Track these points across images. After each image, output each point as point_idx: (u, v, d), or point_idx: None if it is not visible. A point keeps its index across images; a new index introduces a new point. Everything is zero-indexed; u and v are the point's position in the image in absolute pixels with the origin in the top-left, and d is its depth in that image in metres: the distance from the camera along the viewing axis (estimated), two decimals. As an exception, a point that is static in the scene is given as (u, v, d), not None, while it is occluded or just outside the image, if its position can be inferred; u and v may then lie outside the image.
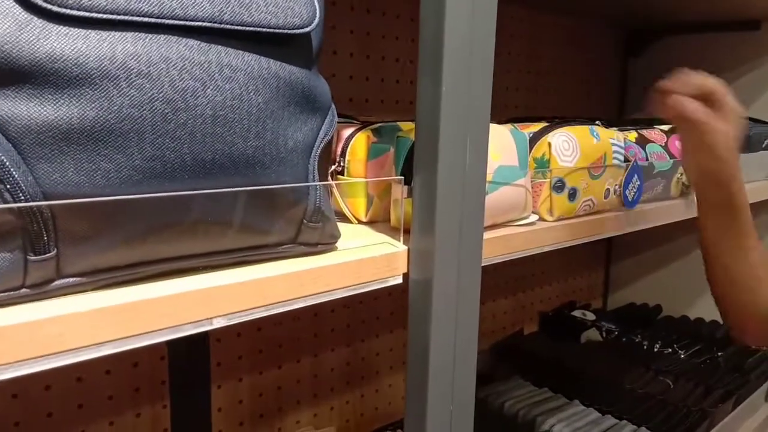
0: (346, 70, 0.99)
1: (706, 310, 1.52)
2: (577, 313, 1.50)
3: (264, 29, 0.37)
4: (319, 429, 1.02)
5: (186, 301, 0.37)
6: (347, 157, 0.60)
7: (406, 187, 0.52)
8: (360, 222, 0.61)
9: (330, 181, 0.56)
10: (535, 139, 0.68)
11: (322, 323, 1.05)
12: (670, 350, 1.33)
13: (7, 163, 0.30)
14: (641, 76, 1.64)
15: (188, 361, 0.87)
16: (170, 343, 0.85)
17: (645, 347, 1.34)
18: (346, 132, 0.62)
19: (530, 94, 1.37)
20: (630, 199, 0.73)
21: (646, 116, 1.00)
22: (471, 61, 0.46)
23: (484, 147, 0.50)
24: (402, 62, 1.06)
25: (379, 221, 0.61)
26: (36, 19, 0.30)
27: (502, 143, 0.60)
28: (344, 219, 0.60)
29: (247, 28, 0.36)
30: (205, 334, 0.88)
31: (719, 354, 1.29)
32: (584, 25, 1.48)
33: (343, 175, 0.61)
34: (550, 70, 1.41)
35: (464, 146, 0.48)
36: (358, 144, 0.60)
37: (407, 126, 0.62)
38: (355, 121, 0.69)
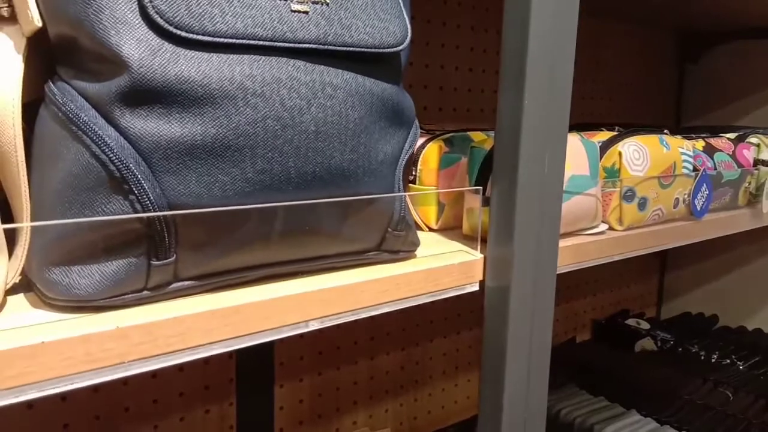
0: (406, 79, 1.01)
1: (764, 320, 1.48)
2: (630, 322, 1.48)
3: (363, 49, 0.39)
4: (375, 430, 1.04)
5: (285, 305, 0.39)
6: (419, 166, 0.62)
7: (482, 197, 0.53)
8: (431, 229, 0.62)
9: (411, 192, 0.58)
10: (605, 148, 0.68)
11: (378, 326, 1.07)
12: (728, 361, 1.30)
13: (139, 176, 0.33)
14: (697, 83, 1.61)
15: (255, 361, 0.90)
16: (238, 343, 0.88)
17: (702, 357, 1.31)
18: (418, 142, 0.64)
19: (589, 102, 1.36)
20: (699, 208, 0.73)
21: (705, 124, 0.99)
22: (552, 74, 0.47)
23: (562, 157, 0.51)
24: (461, 71, 1.07)
25: (448, 229, 0.62)
26: (167, 44, 0.32)
27: (574, 153, 0.61)
28: (417, 227, 0.62)
29: (348, 49, 0.39)
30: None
31: (781, 366, 1.25)
32: (641, 32, 1.47)
33: (415, 183, 0.62)
34: (607, 78, 1.40)
35: (543, 157, 0.49)
36: (430, 154, 0.62)
37: (479, 137, 0.64)
38: (421, 130, 0.70)
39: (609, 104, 1.42)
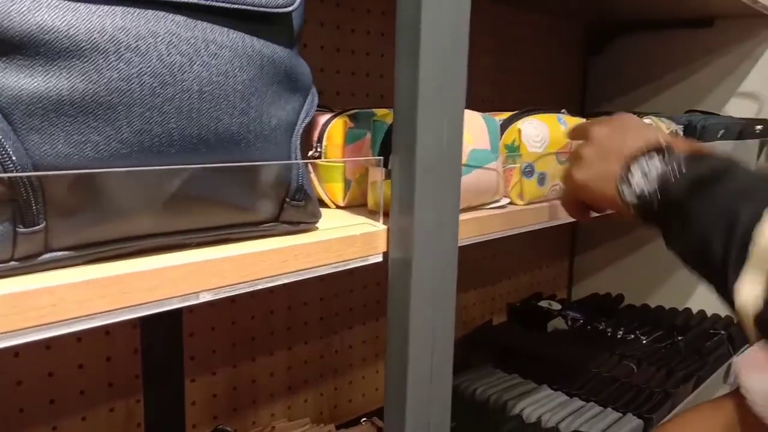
0: (317, 63, 1.00)
1: (666, 298, 1.58)
2: (543, 304, 1.54)
3: (249, 7, 0.38)
4: (293, 420, 1.02)
5: (174, 275, 0.37)
6: (324, 143, 0.61)
7: (384, 170, 0.53)
8: (338, 206, 0.62)
9: (311, 160, 0.57)
10: (505, 125, 0.70)
11: (296, 316, 1.05)
12: (632, 336, 1.37)
13: (-2, 134, 0.30)
14: (601, 74, 1.69)
15: (161, 356, 0.87)
16: (144, 337, 0.84)
17: (609, 334, 1.38)
18: (323, 119, 0.63)
19: (495, 89, 1.40)
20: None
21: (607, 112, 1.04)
22: (446, 47, 0.48)
23: (460, 132, 0.51)
24: (373, 56, 1.07)
25: (356, 205, 0.62)
26: (25, -10, 0.30)
27: (475, 127, 0.62)
28: (322, 204, 0.61)
29: (233, 6, 0.37)
30: (179, 328, 0.88)
31: (679, 339, 1.34)
32: (546, 23, 1.53)
33: (320, 159, 0.61)
34: (513, 67, 1.44)
35: (441, 131, 0.49)
36: (334, 129, 0.61)
37: (382, 112, 0.64)
38: (330, 110, 0.70)
39: (518, 92, 1.47)
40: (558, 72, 1.61)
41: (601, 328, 1.42)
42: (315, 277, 1.12)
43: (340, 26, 1.02)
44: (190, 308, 0.89)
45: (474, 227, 0.59)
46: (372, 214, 0.57)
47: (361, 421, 0.93)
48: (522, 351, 1.23)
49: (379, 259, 0.50)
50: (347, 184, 0.61)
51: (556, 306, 1.53)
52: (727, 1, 1.18)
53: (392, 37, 0.47)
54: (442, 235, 0.51)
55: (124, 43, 0.32)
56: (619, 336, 1.38)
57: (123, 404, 0.85)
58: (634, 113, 1.03)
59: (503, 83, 1.42)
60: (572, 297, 1.75)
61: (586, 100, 1.70)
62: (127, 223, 0.36)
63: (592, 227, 1.73)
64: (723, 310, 1.49)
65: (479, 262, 1.45)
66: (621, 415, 1.00)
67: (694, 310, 1.52)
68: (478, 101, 1.42)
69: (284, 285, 1.03)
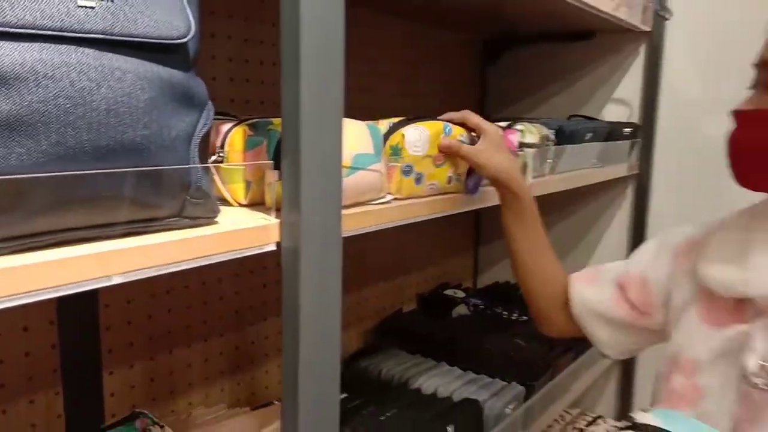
0: (227, 73, 1.08)
1: (557, 283, 1.75)
2: (449, 293, 1.67)
3: (148, 40, 0.46)
4: (210, 407, 1.09)
5: (88, 262, 0.45)
6: (226, 149, 0.69)
7: (277, 172, 0.62)
8: (241, 205, 0.70)
9: (209, 164, 0.64)
10: (393, 129, 0.80)
11: (211, 310, 1.12)
12: (525, 318, 1.52)
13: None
14: (498, 82, 1.84)
15: (79, 350, 0.92)
16: (61, 332, 0.89)
17: (504, 317, 1.52)
18: (225, 127, 0.71)
19: (402, 99, 1.51)
20: (470, 188, 0.88)
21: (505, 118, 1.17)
22: (324, 66, 0.57)
23: (339, 137, 0.61)
24: (266, 65, 1.16)
25: (257, 204, 0.70)
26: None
27: (360, 135, 0.72)
28: (227, 203, 0.69)
29: (135, 39, 0.45)
30: (96, 323, 0.93)
31: (565, 318, 1.50)
32: (447, 36, 1.66)
33: (221, 164, 0.70)
34: (419, 77, 1.56)
35: (322, 136, 0.59)
36: (235, 137, 0.69)
37: (277, 121, 0.73)
38: (235, 118, 0.78)
39: (423, 100, 1.59)
40: (460, 81, 1.75)
41: (498, 312, 1.57)
42: (230, 273, 1.18)
43: (231, 37, 1.09)
44: (107, 303, 0.95)
45: (356, 220, 0.68)
46: (269, 210, 0.65)
47: (275, 401, 1.01)
48: (425, 335, 1.35)
49: (273, 248, 0.59)
50: (248, 185, 0.69)
51: (461, 294, 1.67)
52: (604, 18, 1.34)
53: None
54: (326, 226, 0.61)
55: (42, 73, 0.40)
56: (513, 318, 1.52)
57: (43, 397, 0.89)
58: (520, 119, 1.17)
59: (410, 93, 1.54)
60: (477, 286, 1.90)
61: (486, 106, 1.85)
62: (49, 219, 0.43)
63: (495, 221, 1.89)
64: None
65: (390, 256, 1.56)
66: (507, 383, 1.14)
67: (581, 293, 1.70)
68: (388, 110, 1.53)
69: (200, 281, 1.09)
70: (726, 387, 0.67)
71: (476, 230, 1.92)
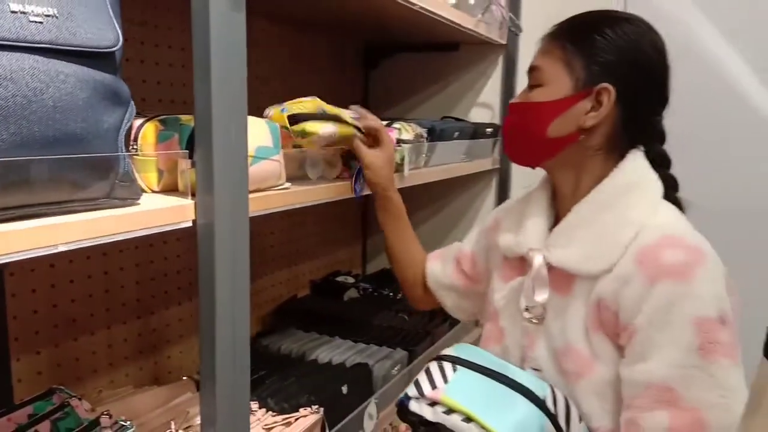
0: (127, 74, 1.14)
1: (436, 267, 1.96)
2: (340, 279, 1.81)
3: (86, 48, 0.56)
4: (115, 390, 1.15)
5: (36, 234, 0.53)
6: (140, 142, 0.78)
7: (190, 160, 0.72)
8: (153, 191, 0.79)
9: (132, 154, 0.74)
10: (301, 118, 0.93)
11: (113, 299, 1.17)
12: (409, 297, 1.70)
13: None
14: (379, 86, 2.01)
15: (-14, 338, 0.95)
16: (-32, 321, 0.92)
17: (391, 297, 1.69)
18: (137, 122, 0.80)
19: (290, 99, 1.63)
20: (358, 190, 1.03)
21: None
22: (230, 72, 0.69)
23: (244, 131, 0.73)
24: (175, 67, 1.24)
25: (169, 190, 0.80)
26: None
27: (261, 130, 0.84)
28: (141, 190, 0.78)
29: (75, 48, 0.54)
30: (2, 312, 0.97)
31: (442, 295, 1.70)
32: (330, 41, 1.80)
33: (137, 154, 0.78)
34: (304, 79, 1.69)
35: (230, 130, 0.70)
36: (148, 131, 0.78)
37: (186, 117, 0.83)
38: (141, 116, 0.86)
39: (310, 100, 1.71)
40: (343, 83, 1.90)
41: (385, 293, 1.73)
42: (132, 262, 1.25)
43: (144, 42, 1.17)
44: (13, 293, 0.99)
45: (261, 203, 0.80)
46: (182, 195, 0.75)
47: (183, 378, 1.10)
48: (319, 315, 1.48)
49: (190, 224, 0.70)
50: (160, 173, 0.78)
51: (351, 280, 1.81)
52: (467, 32, 1.54)
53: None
54: (235, 206, 0.72)
55: (3, 75, 0.49)
56: (398, 298, 1.70)
57: (-50, 384, 0.92)
58: (398, 119, 1.33)
59: (296, 94, 1.65)
60: (366, 272, 2.06)
61: (368, 107, 2.00)
62: (6, 198, 0.51)
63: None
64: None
65: (285, 246, 1.67)
66: (392, 349, 1.30)
67: (457, 275, 1.91)
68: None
69: (102, 270, 1.15)
70: (515, 325, 0.88)
71: (364, 222, 2.08)
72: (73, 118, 0.55)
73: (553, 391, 0.78)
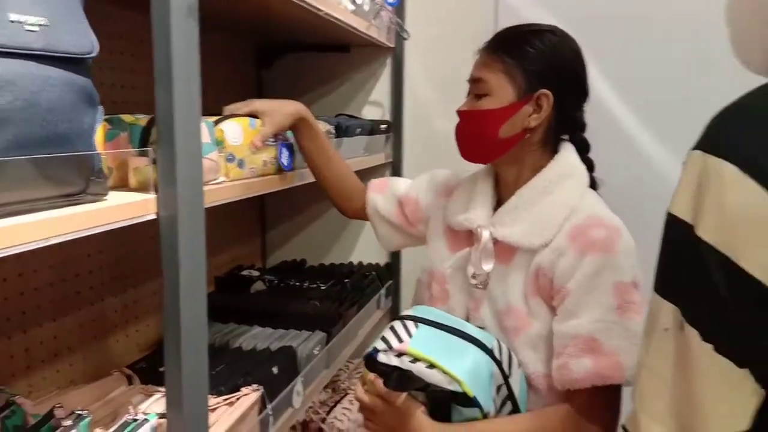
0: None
1: (335, 256, 2.07)
2: (245, 273, 1.86)
3: (72, 55, 0.60)
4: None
5: (26, 229, 0.57)
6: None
7: (145, 158, 0.77)
8: (102, 188, 0.82)
9: (103, 151, 0.77)
10: (215, 125, 0.99)
11: (28, 301, 1.15)
12: (315, 286, 1.79)
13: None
14: (272, 85, 2.07)
15: None
16: None
17: (298, 286, 1.78)
18: (82, 123, 0.82)
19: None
20: (286, 164, 1.11)
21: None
22: (189, 81, 0.75)
23: (198, 132, 0.79)
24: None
25: (117, 187, 0.83)
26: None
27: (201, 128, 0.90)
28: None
29: (63, 54, 0.59)
30: None
31: (346, 281, 1.81)
32: (222, 41, 1.83)
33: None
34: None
35: (189, 131, 0.76)
36: (98, 131, 0.82)
37: (129, 118, 0.87)
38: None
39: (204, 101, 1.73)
40: (237, 83, 1.94)
41: (291, 283, 1.81)
42: (53, 262, 1.23)
43: None
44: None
45: (208, 196, 0.86)
46: (134, 191, 0.79)
47: (112, 372, 1.11)
48: (235, 307, 1.53)
49: (154, 216, 0.75)
50: (109, 171, 0.82)
51: (255, 273, 1.87)
52: (359, 35, 1.66)
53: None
54: (194, 199, 0.78)
55: (8, 80, 0.53)
56: (305, 287, 1.78)
57: None
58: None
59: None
60: (267, 266, 2.12)
61: (263, 104, 2.06)
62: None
63: (278, 209, 2.13)
64: (375, 260, 2.04)
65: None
66: (311, 332, 1.39)
67: (355, 262, 2.04)
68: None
69: (25, 269, 1.13)
70: (461, 289, 1.03)
71: (262, 217, 2.13)
72: (62, 120, 0.59)
73: (498, 343, 0.94)
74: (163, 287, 0.76)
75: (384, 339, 0.93)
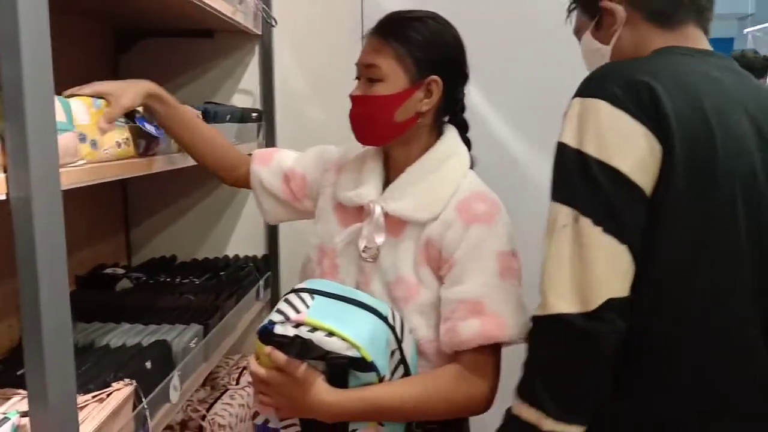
0: None
1: (209, 250, 2.00)
2: (108, 271, 1.74)
3: None
4: None
5: None
6: None
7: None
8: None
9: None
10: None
11: None
12: (188, 280, 1.72)
13: None
14: (130, 71, 1.95)
15: None
16: None
17: (169, 282, 1.70)
18: None
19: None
20: (155, 132, 1.06)
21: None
22: (39, 46, 0.69)
23: (52, 110, 0.73)
24: None
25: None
26: None
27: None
28: None
29: None
30: None
31: (221, 274, 1.76)
32: (76, 23, 1.69)
33: None
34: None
35: (42, 108, 0.71)
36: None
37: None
38: None
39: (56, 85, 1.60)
40: (91, 67, 1.80)
41: (162, 280, 1.73)
42: None
43: None
44: None
45: (66, 177, 0.80)
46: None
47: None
48: (98, 305, 1.43)
49: (4, 197, 0.69)
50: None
51: (121, 271, 1.76)
52: (224, 20, 1.61)
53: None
54: (48, 179, 0.72)
55: None
56: (177, 282, 1.71)
57: None
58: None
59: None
60: (133, 264, 1.99)
61: (122, 92, 1.93)
62: None
63: (142, 203, 2.01)
64: (251, 252, 2.00)
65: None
66: (186, 326, 1.34)
67: (231, 255, 1.99)
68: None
69: None
70: (351, 263, 1.06)
71: (124, 212, 2.00)
72: None
73: (392, 310, 0.99)
74: (6, 290, 0.70)
75: (279, 311, 0.94)
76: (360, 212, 1.08)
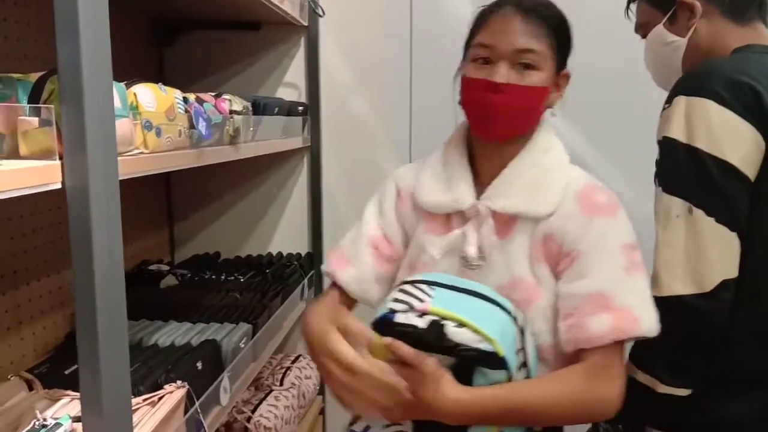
0: None
1: (251, 248, 1.96)
2: (153, 268, 1.71)
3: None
4: None
5: None
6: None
7: (36, 119, 0.66)
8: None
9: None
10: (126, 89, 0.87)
11: None
12: (233, 278, 1.68)
13: None
14: (175, 63, 1.92)
15: None
16: None
17: (214, 279, 1.66)
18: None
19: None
20: (204, 133, 1.01)
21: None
22: (96, 39, 0.64)
23: (110, 93, 0.69)
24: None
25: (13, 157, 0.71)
26: None
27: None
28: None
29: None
30: None
31: (267, 272, 1.71)
32: (118, 15, 1.67)
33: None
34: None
35: (101, 91, 0.66)
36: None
37: (17, 75, 0.74)
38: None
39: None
40: (135, 60, 1.77)
41: (206, 277, 1.69)
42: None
43: None
44: None
45: (124, 167, 0.76)
46: (27, 157, 0.67)
47: (9, 377, 0.96)
48: (144, 303, 1.39)
49: (59, 186, 0.64)
50: (2, 138, 0.69)
51: (165, 267, 1.72)
52: (270, 9, 1.56)
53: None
54: (107, 168, 0.67)
55: None
56: (222, 280, 1.67)
57: None
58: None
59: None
60: (177, 260, 1.96)
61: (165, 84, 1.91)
62: None
63: (186, 198, 1.98)
64: (295, 250, 1.95)
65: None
66: (235, 324, 1.29)
67: (274, 253, 1.94)
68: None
69: None
70: (451, 271, 0.95)
71: (168, 207, 1.97)
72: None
73: (513, 307, 0.89)
74: (59, 285, 0.65)
75: (399, 300, 0.84)
76: (448, 220, 0.98)
